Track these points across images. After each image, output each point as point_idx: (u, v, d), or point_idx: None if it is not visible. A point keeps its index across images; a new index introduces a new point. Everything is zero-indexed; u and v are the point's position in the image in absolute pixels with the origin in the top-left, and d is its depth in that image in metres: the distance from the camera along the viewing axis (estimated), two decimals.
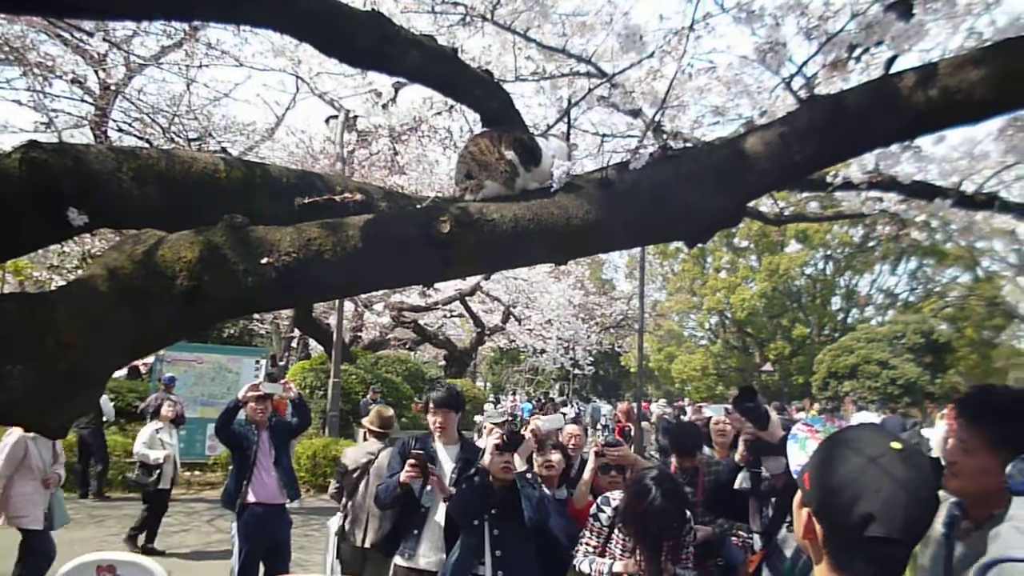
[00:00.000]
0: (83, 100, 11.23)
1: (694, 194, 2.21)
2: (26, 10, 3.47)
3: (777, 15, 2.28)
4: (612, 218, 2.21)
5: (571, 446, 4.99)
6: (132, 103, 11.64)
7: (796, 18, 2.28)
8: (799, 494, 1.46)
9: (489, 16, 3.15)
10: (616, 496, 3.64)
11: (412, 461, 4.12)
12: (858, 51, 2.38)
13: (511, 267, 2.69)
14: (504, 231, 2.13)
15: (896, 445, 1.36)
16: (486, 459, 3.87)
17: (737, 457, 3.78)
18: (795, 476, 1.74)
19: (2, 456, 6.36)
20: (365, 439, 6.16)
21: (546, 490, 4.24)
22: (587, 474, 4.32)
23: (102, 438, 12.17)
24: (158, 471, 8.99)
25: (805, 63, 2.29)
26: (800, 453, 1.92)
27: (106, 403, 12.33)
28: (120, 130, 12.09)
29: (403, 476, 4.17)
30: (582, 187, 2.24)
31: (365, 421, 6.22)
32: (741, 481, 3.73)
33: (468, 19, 3.30)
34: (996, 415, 2.02)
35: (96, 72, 10.76)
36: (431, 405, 4.50)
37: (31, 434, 6.27)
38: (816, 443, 1.77)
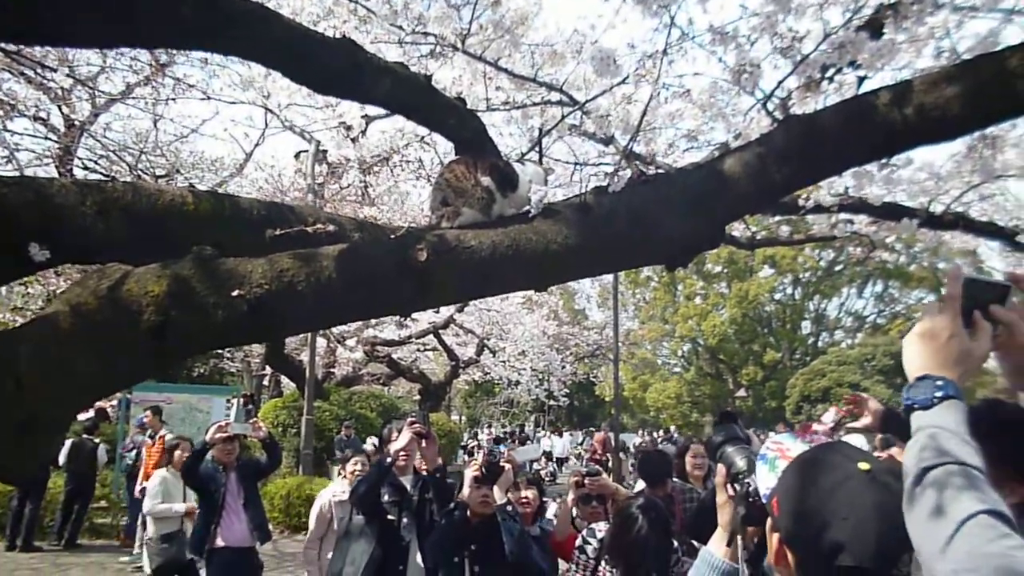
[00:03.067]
0: (47, 138, 11.07)
1: (673, 217, 2.19)
2: None
3: (750, 36, 2.28)
4: (591, 243, 2.18)
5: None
6: (98, 140, 11.49)
7: (770, 39, 2.29)
8: (770, 519, 1.41)
9: (460, 46, 3.15)
10: (601, 527, 3.57)
11: (416, 427, 4.07)
12: (831, 71, 2.39)
13: (490, 294, 2.65)
14: (482, 258, 2.08)
15: (864, 466, 1.31)
16: (465, 492, 3.79)
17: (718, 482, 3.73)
18: (764, 500, 1.66)
19: None
20: (341, 475, 6.07)
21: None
22: (567, 505, 4.25)
23: (92, 485, 11.87)
24: (178, 533, 7.17)
25: (780, 84, 2.30)
26: (770, 475, 1.71)
27: (101, 451, 11.99)
28: (85, 168, 11.92)
29: (402, 442, 4.07)
30: (560, 212, 2.21)
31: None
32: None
33: (439, 49, 3.29)
34: (1003, 431, 1.98)
35: (60, 108, 10.62)
36: (394, 435, 4.46)
37: None
38: (786, 463, 1.62)
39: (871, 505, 1.23)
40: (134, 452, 11.49)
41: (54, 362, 1.84)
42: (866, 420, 3.30)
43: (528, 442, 26.33)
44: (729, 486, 1.97)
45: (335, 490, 6.00)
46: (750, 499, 1.81)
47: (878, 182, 3.61)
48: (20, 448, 1.84)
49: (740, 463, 2.00)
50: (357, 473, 6.04)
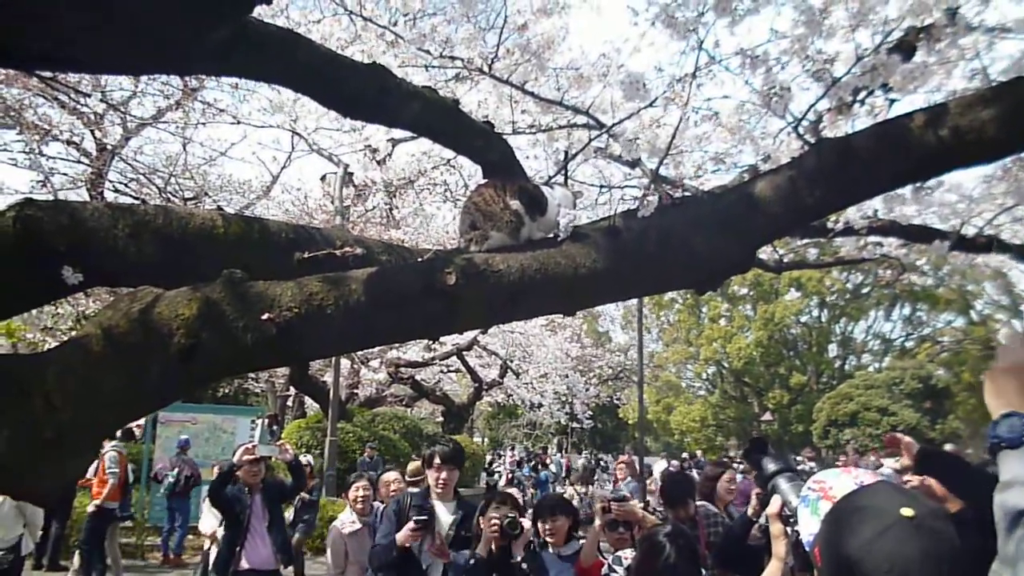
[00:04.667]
0: (79, 161, 11.28)
1: (703, 241, 2.17)
2: (18, 64, 3.45)
3: (781, 59, 2.27)
4: (620, 267, 2.16)
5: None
6: (128, 164, 11.69)
7: (800, 61, 2.27)
8: (815, 571, 1.35)
9: (487, 70, 3.16)
10: (628, 555, 3.51)
11: (415, 524, 3.99)
12: (862, 94, 2.36)
13: (518, 319, 2.63)
14: (510, 282, 2.07)
15: (907, 512, 1.25)
16: (482, 548, 3.76)
17: (750, 511, 3.67)
18: (807, 547, 1.57)
19: None
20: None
21: (550, 550, 4.12)
22: (594, 531, 4.19)
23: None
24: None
25: (812, 107, 2.27)
26: (812, 519, 1.59)
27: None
28: (116, 191, 12.12)
29: (402, 536, 4.04)
30: (589, 236, 2.20)
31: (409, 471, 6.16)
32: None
33: (466, 73, 3.31)
34: None
35: (93, 133, 10.82)
36: (436, 460, 4.33)
37: None
38: (829, 504, 1.54)
39: (916, 556, 1.18)
40: (175, 472, 11.67)
41: (84, 383, 1.85)
42: (903, 461, 3.21)
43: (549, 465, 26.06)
44: (783, 523, 1.90)
45: (344, 521, 5.98)
46: (799, 551, 1.72)
47: (909, 204, 3.57)
48: (48, 467, 1.85)
49: (795, 501, 1.90)
50: (360, 499, 6.01)
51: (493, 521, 3.79)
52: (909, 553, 1.18)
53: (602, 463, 30.88)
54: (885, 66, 2.19)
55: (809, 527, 1.57)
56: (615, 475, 16.68)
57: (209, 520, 7.32)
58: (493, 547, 3.77)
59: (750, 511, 3.66)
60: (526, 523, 3.89)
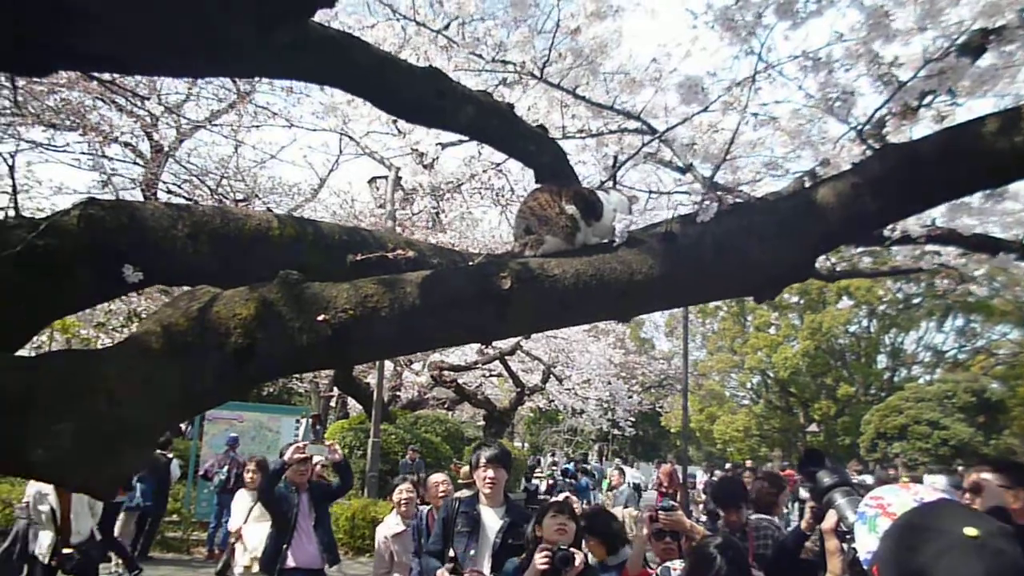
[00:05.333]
0: (135, 163, 11.56)
1: (762, 247, 2.12)
2: (81, 64, 3.53)
3: (845, 63, 2.21)
4: (676, 273, 2.13)
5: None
6: (182, 165, 11.96)
7: (866, 65, 2.21)
8: None
9: (539, 74, 3.15)
10: (677, 566, 3.45)
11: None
12: (928, 98, 2.30)
13: (572, 324, 2.61)
14: (565, 287, 2.05)
15: (971, 531, 1.20)
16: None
17: (803, 525, 3.59)
18: (864, 565, 1.52)
19: None
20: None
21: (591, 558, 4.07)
22: (640, 540, 4.14)
23: (165, 499, 12.20)
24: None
25: (877, 111, 2.21)
26: (870, 537, 1.53)
27: (174, 466, 12.37)
28: (169, 191, 12.40)
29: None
30: (644, 242, 2.17)
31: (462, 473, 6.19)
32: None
33: (516, 77, 3.30)
34: None
35: (149, 135, 11.08)
36: (483, 461, 4.33)
37: None
38: (888, 520, 1.49)
39: None
40: (225, 469, 11.88)
41: (143, 379, 1.88)
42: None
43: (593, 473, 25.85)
44: (839, 540, 1.84)
45: (389, 524, 6.03)
46: (855, 568, 1.66)
47: (973, 214, 3.46)
48: (108, 461, 1.88)
49: (852, 517, 1.84)
50: (404, 501, 6.03)
51: (544, 554, 3.67)
52: (972, 573, 1.14)
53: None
54: (954, 69, 2.12)
55: (867, 544, 1.52)
56: (656, 484, 16.57)
57: (235, 518, 7.37)
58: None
59: (803, 525, 3.58)
60: (579, 556, 3.74)
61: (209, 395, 2.11)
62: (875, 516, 1.53)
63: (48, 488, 6.66)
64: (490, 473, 4.30)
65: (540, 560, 3.63)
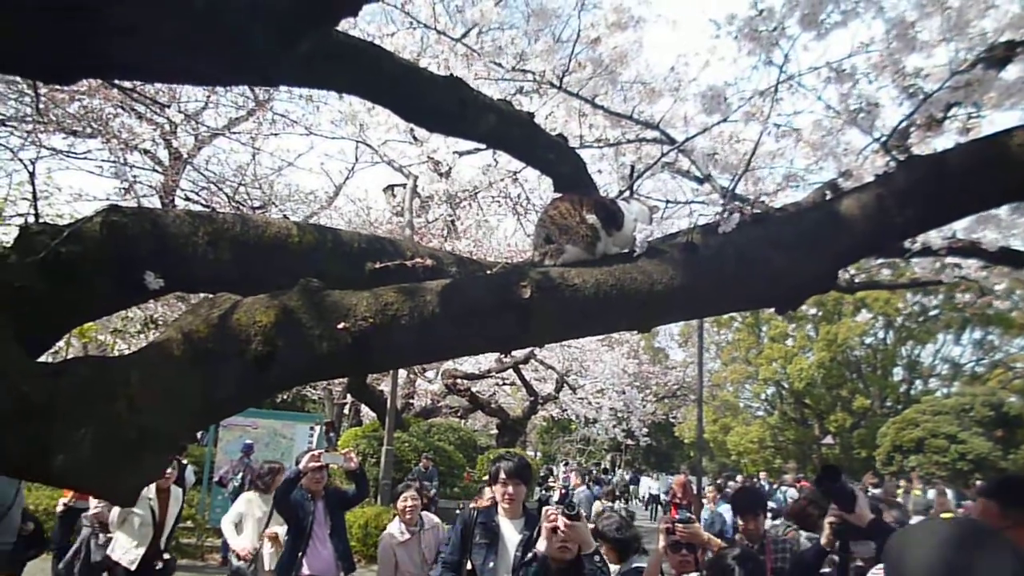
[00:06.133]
0: (154, 170, 11.66)
1: (784, 259, 2.10)
2: (105, 73, 3.56)
3: (869, 74, 2.20)
4: (697, 284, 2.12)
5: None
6: (200, 172, 12.04)
7: (891, 76, 2.19)
8: None
9: (558, 83, 3.15)
10: None
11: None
12: (953, 110, 2.27)
13: (592, 334, 2.60)
14: (586, 297, 2.04)
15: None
16: (542, 545, 3.57)
17: (823, 541, 3.55)
18: None
19: None
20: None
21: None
22: (657, 552, 4.10)
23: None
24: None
25: (902, 122, 2.19)
26: None
27: (189, 472, 12.39)
28: (187, 199, 12.49)
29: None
30: (665, 252, 2.16)
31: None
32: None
33: (534, 86, 3.30)
34: None
35: (168, 143, 11.17)
36: (502, 475, 4.23)
37: None
38: None
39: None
40: (240, 476, 11.88)
41: (165, 386, 1.88)
42: None
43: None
44: None
45: (393, 532, 5.99)
46: None
47: (993, 227, 3.42)
48: (129, 467, 1.88)
49: None
50: (408, 509, 5.97)
51: (551, 515, 3.57)
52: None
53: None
54: (980, 82, 2.10)
55: None
56: (671, 495, 16.46)
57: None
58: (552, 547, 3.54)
59: (823, 540, 3.54)
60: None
61: (230, 402, 2.12)
62: None
63: (151, 492, 6.66)
64: (510, 489, 4.22)
65: (549, 522, 3.50)
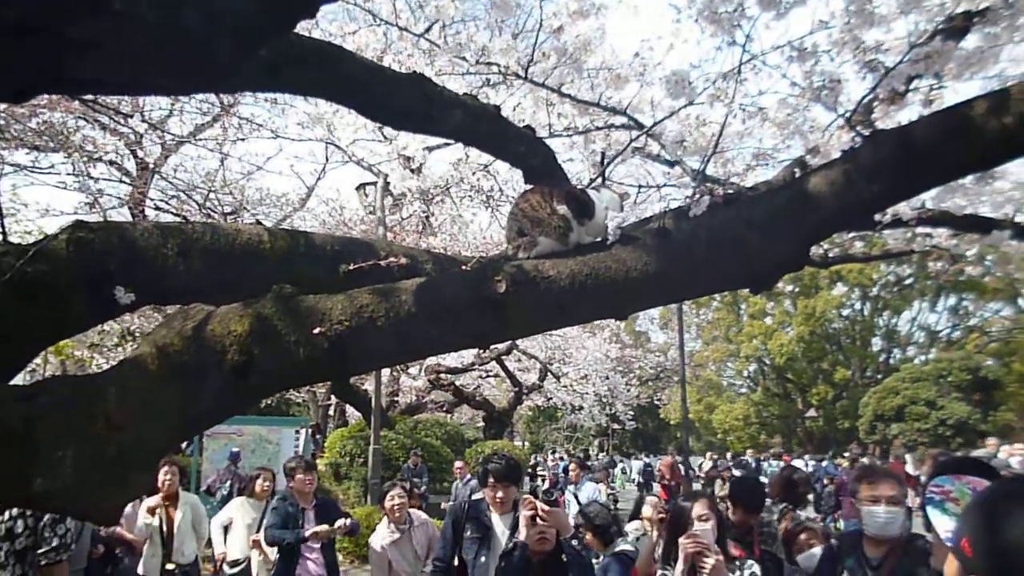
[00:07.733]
0: (121, 181, 11.51)
1: (756, 239, 2.11)
2: (67, 89, 3.50)
3: (830, 51, 2.21)
4: (672, 269, 2.12)
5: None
6: (168, 181, 11.90)
7: (852, 52, 2.21)
8: (955, 564, 1.36)
9: (524, 74, 3.14)
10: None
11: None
12: (915, 82, 2.29)
13: (569, 324, 2.60)
14: (561, 288, 2.04)
15: None
16: (522, 533, 3.57)
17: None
18: (949, 544, 1.62)
19: None
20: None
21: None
22: (650, 542, 4.14)
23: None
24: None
25: (865, 98, 2.21)
26: (944, 518, 1.78)
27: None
28: (157, 208, 12.34)
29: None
30: (638, 238, 2.16)
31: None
32: None
33: (500, 78, 3.29)
34: None
35: (134, 153, 11.03)
36: (491, 479, 4.16)
37: None
38: (954, 505, 1.77)
39: None
40: (228, 484, 11.79)
41: (143, 402, 1.87)
42: None
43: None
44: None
45: (383, 533, 5.91)
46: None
47: (962, 195, 3.47)
48: (111, 485, 1.86)
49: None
50: (396, 507, 5.86)
51: (529, 503, 3.60)
52: None
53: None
54: (940, 53, 2.12)
55: (944, 525, 1.75)
56: (659, 476, 16.57)
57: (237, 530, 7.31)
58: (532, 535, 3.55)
59: None
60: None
61: (210, 414, 2.10)
62: (942, 501, 1.79)
63: (155, 502, 6.58)
64: (500, 493, 4.16)
65: (527, 510, 3.49)
